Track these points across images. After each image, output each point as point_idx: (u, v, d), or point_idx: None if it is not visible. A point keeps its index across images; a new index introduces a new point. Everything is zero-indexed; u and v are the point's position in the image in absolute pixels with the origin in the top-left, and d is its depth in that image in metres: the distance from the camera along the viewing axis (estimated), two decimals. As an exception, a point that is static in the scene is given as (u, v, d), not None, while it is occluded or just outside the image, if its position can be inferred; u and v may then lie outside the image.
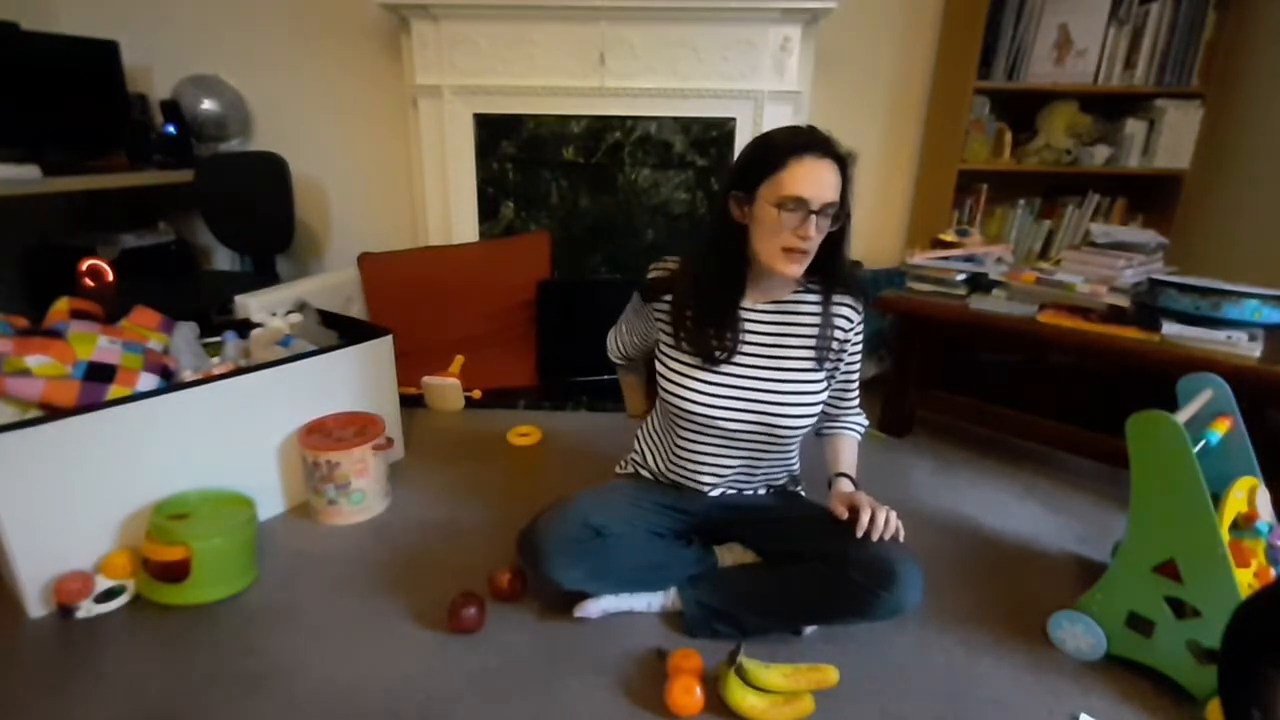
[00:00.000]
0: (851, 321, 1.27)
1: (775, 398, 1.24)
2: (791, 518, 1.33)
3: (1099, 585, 1.22)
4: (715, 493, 1.35)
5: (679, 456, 1.34)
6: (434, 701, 1.12)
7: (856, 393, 1.39)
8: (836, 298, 1.26)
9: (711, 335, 1.22)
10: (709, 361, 1.24)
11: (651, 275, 1.31)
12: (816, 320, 1.25)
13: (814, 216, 1.10)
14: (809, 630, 1.28)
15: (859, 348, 1.32)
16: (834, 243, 1.19)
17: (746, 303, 1.26)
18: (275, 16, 2.66)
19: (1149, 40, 2.31)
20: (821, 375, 1.27)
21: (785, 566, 1.26)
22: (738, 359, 1.24)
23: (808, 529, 1.27)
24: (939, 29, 2.56)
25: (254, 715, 1.09)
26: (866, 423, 1.41)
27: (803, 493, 1.46)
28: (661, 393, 1.30)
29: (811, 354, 1.25)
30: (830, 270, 1.23)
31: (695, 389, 1.25)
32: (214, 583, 1.33)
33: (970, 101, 2.38)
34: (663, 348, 1.31)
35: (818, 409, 1.28)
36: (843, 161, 1.14)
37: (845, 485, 1.29)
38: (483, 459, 1.95)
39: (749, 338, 1.25)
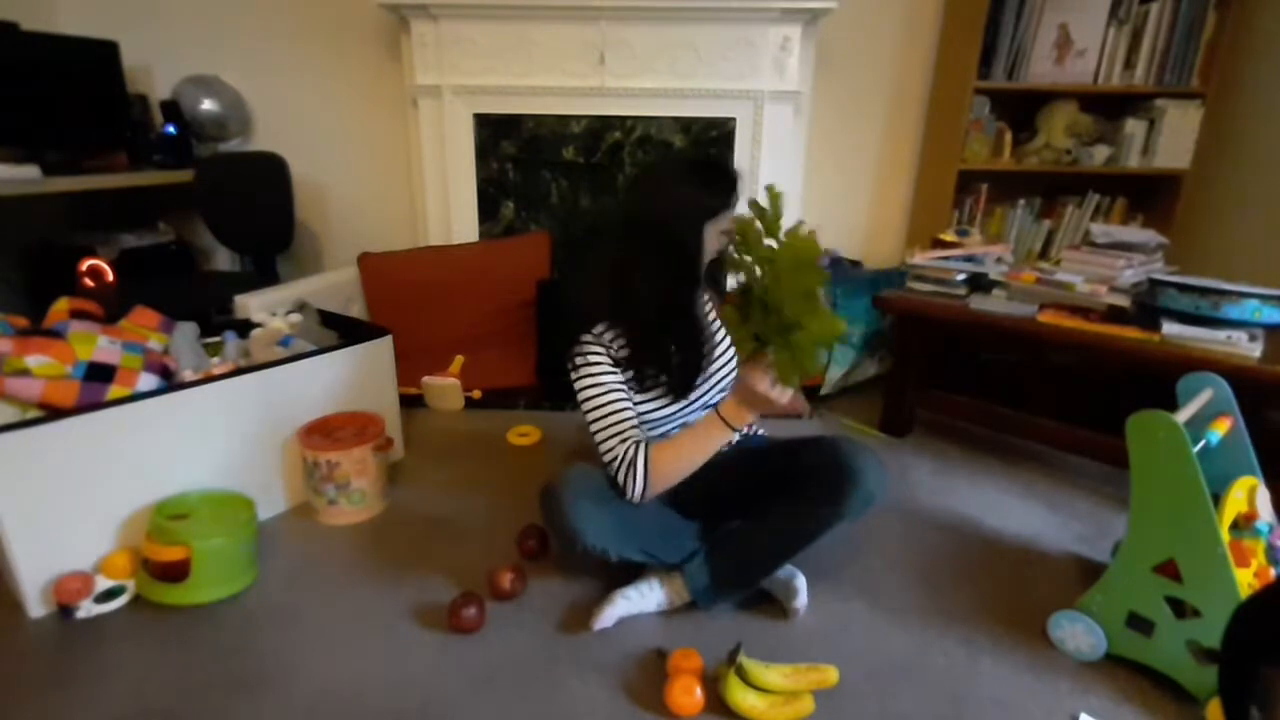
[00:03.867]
0: None
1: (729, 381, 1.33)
2: (758, 449, 1.40)
3: (1099, 585, 1.22)
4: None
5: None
6: (434, 701, 1.12)
7: None
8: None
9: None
10: (686, 391, 1.29)
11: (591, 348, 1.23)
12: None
13: None
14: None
15: None
16: None
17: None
18: (275, 16, 2.66)
19: (1149, 40, 2.31)
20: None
21: (762, 510, 1.28)
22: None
23: (771, 456, 1.34)
24: (939, 29, 2.56)
25: (254, 715, 1.09)
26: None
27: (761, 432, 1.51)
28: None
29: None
30: None
31: (672, 416, 1.31)
32: (214, 583, 1.33)
33: (970, 101, 2.38)
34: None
35: None
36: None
37: None
38: (483, 459, 1.95)
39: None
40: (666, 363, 1.24)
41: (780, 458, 1.33)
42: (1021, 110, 2.50)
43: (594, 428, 1.21)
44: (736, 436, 1.20)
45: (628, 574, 1.33)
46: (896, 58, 2.62)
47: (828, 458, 1.22)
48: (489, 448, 2.02)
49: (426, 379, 2.26)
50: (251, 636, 1.26)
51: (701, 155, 1.28)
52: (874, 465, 1.20)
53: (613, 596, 1.29)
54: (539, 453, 2.01)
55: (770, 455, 1.38)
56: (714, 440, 1.18)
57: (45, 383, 1.34)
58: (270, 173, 2.52)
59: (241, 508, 1.44)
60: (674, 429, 1.32)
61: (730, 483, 1.35)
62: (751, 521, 1.29)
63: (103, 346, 1.44)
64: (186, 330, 1.66)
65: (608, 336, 1.23)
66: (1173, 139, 2.36)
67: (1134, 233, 1.98)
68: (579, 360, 1.22)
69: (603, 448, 1.20)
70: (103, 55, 2.48)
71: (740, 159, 2.52)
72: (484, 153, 2.60)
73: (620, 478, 1.18)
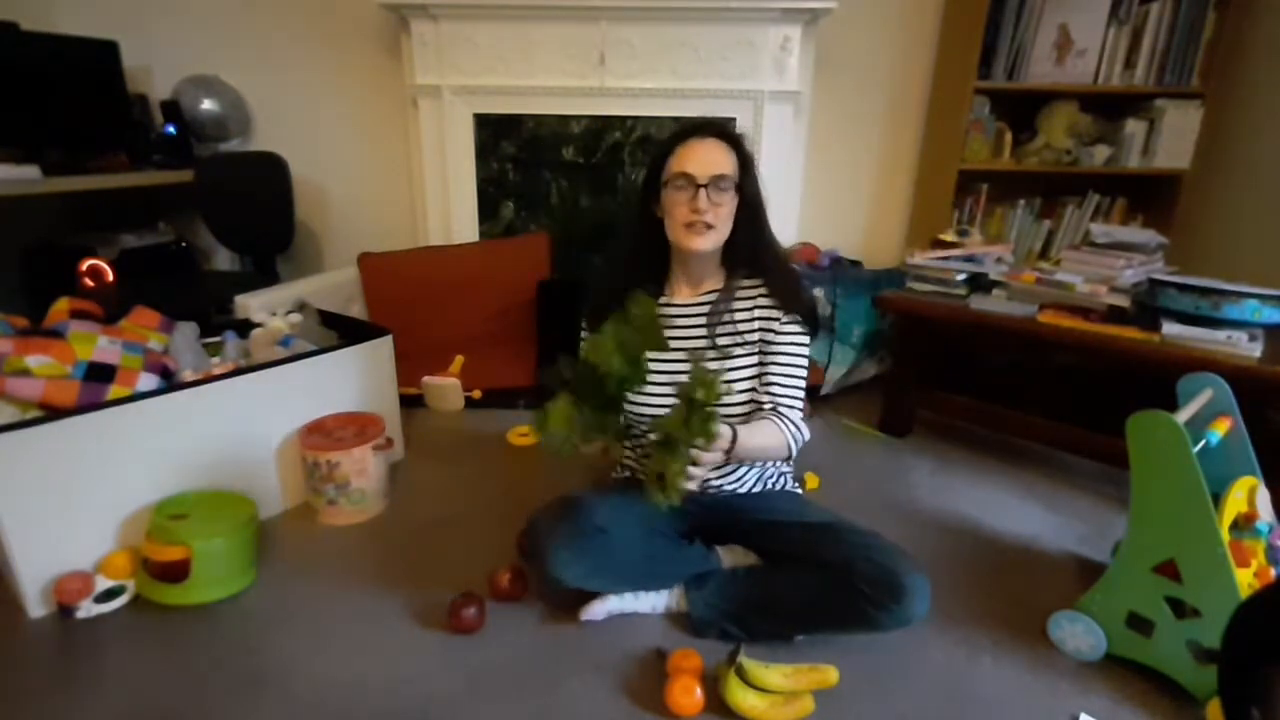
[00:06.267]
0: (760, 307, 1.27)
1: None
2: (793, 522, 1.32)
3: (1099, 585, 1.22)
4: (693, 486, 1.33)
5: (647, 457, 1.34)
6: (434, 701, 1.12)
7: (789, 392, 1.26)
8: (744, 281, 1.29)
9: None
10: None
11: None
12: (740, 306, 1.28)
13: (702, 190, 1.18)
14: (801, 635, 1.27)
15: (787, 339, 1.26)
16: (751, 227, 1.25)
17: (678, 299, 1.31)
18: (275, 16, 2.66)
19: (1149, 40, 2.30)
20: (750, 360, 1.27)
21: (794, 574, 1.23)
22: (671, 353, 1.25)
23: (809, 534, 1.26)
24: (939, 29, 2.56)
25: (254, 715, 1.09)
26: (804, 435, 1.25)
27: (800, 490, 1.46)
28: None
29: (737, 339, 1.27)
30: (749, 256, 1.28)
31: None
32: (214, 583, 1.33)
33: (970, 102, 2.38)
34: None
35: (745, 392, 1.27)
36: (732, 139, 1.22)
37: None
38: (483, 459, 1.95)
39: (681, 330, 1.29)
40: (604, 309, 1.22)
41: (821, 536, 1.24)
42: (1021, 110, 2.50)
43: None
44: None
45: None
46: (896, 58, 2.62)
47: (880, 569, 1.13)
48: (489, 448, 2.02)
49: (426, 379, 2.26)
50: (251, 636, 1.26)
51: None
52: (923, 590, 1.12)
53: (604, 593, 1.30)
54: (539, 453, 2.01)
55: (811, 531, 1.27)
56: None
57: (45, 383, 1.34)
58: (270, 173, 2.52)
59: (241, 508, 1.44)
60: (647, 411, 1.28)
61: (756, 529, 1.34)
62: (781, 583, 1.24)
63: (103, 346, 1.44)
64: (186, 330, 1.66)
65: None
66: (1173, 139, 2.36)
67: (1134, 233, 1.98)
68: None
69: None
70: (103, 55, 2.48)
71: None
72: (484, 153, 2.60)
73: None
